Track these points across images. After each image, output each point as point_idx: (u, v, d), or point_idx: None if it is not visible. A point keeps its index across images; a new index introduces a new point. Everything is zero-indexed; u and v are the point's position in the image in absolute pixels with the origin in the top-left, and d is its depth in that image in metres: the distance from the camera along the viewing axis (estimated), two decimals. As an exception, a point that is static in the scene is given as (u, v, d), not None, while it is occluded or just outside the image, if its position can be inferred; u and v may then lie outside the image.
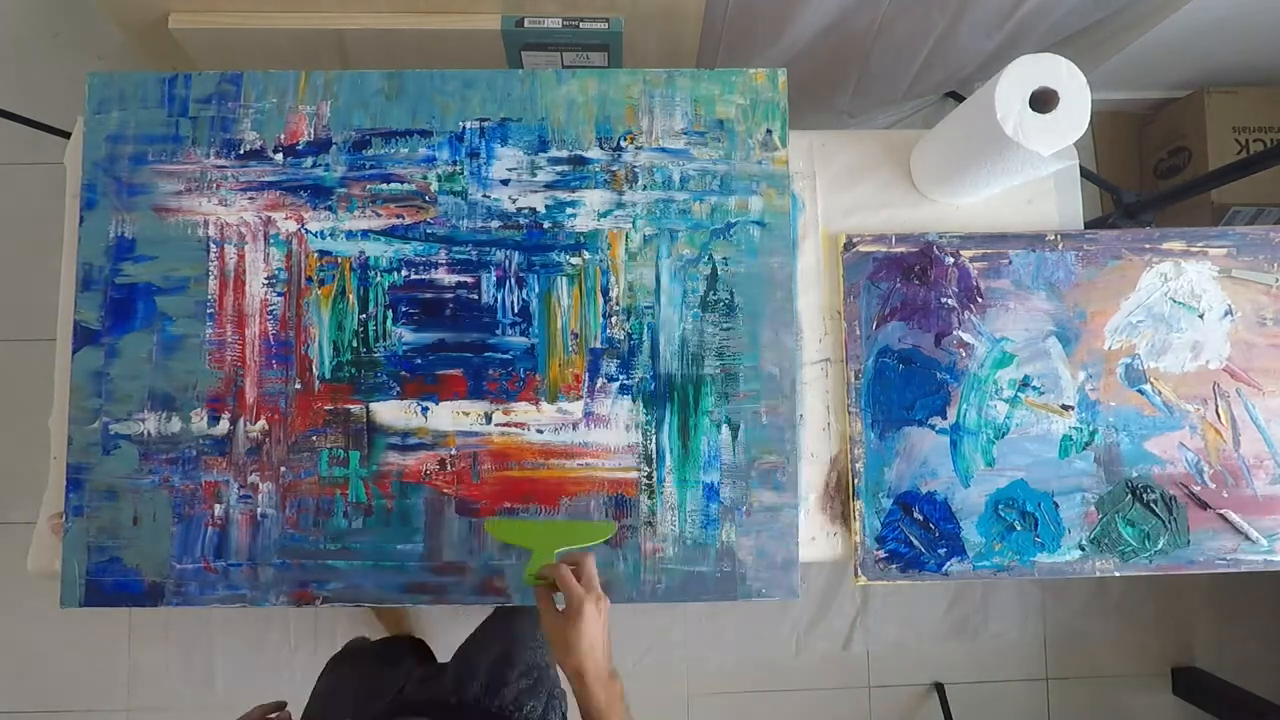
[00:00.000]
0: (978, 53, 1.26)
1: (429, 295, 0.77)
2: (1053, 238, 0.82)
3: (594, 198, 0.79)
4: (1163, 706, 1.57)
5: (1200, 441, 0.80)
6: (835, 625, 1.56)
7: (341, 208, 0.78)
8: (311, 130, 0.79)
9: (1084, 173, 0.89)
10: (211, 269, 0.77)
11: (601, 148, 0.79)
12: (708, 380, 0.77)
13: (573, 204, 0.79)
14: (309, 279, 0.77)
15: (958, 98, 1.51)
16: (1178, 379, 0.81)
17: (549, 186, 0.79)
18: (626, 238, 0.78)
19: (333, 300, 0.77)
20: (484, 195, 0.79)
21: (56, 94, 1.51)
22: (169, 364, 0.76)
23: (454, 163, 0.79)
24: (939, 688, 1.54)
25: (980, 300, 0.81)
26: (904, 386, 0.80)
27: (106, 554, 0.74)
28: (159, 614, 1.48)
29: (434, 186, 0.79)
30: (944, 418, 0.79)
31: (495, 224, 0.78)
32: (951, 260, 0.81)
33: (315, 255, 0.78)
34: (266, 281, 0.77)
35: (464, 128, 0.79)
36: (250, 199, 0.78)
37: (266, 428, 0.76)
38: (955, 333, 0.80)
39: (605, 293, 0.78)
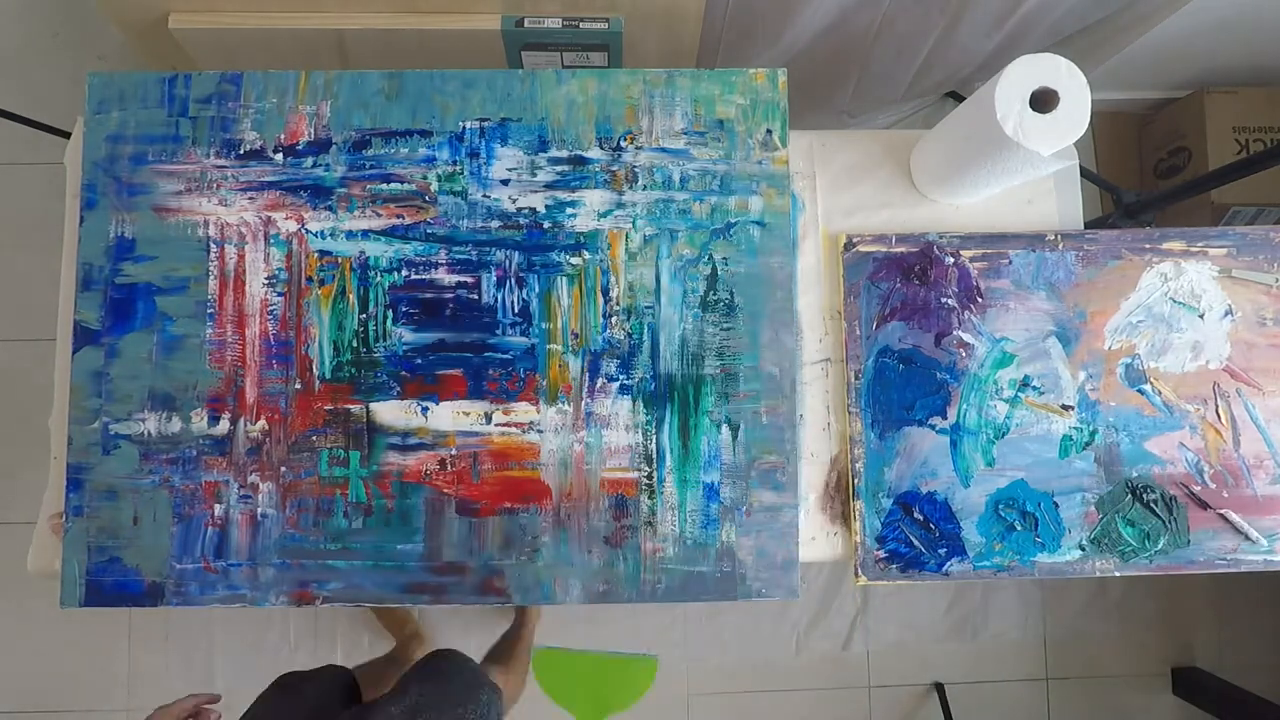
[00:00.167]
0: (978, 53, 1.26)
1: (429, 295, 0.77)
2: (1053, 238, 0.82)
3: (594, 198, 0.79)
4: (1163, 706, 1.58)
5: (1200, 441, 0.80)
6: (835, 625, 1.56)
7: (341, 208, 0.78)
8: (311, 130, 0.79)
9: (1084, 173, 0.89)
10: (211, 269, 0.77)
11: (601, 148, 0.79)
12: (708, 380, 0.77)
13: (573, 204, 0.79)
14: (309, 279, 0.77)
15: (958, 98, 1.51)
16: (1178, 379, 0.81)
17: (549, 186, 0.79)
18: (626, 238, 0.78)
19: (333, 300, 0.77)
20: (484, 195, 0.79)
21: (56, 94, 1.51)
22: (169, 364, 0.76)
23: (454, 163, 0.79)
24: (939, 688, 1.54)
25: (980, 300, 0.81)
26: (904, 386, 0.80)
27: (106, 554, 0.74)
28: (159, 614, 1.48)
29: (434, 186, 0.79)
30: (944, 418, 0.79)
31: (495, 224, 0.78)
32: (951, 260, 0.81)
33: (315, 255, 0.78)
34: (266, 281, 0.77)
35: (464, 128, 0.79)
36: (250, 199, 0.78)
37: (266, 428, 0.76)
38: (955, 333, 0.80)
39: (605, 293, 0.78)
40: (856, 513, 0.78)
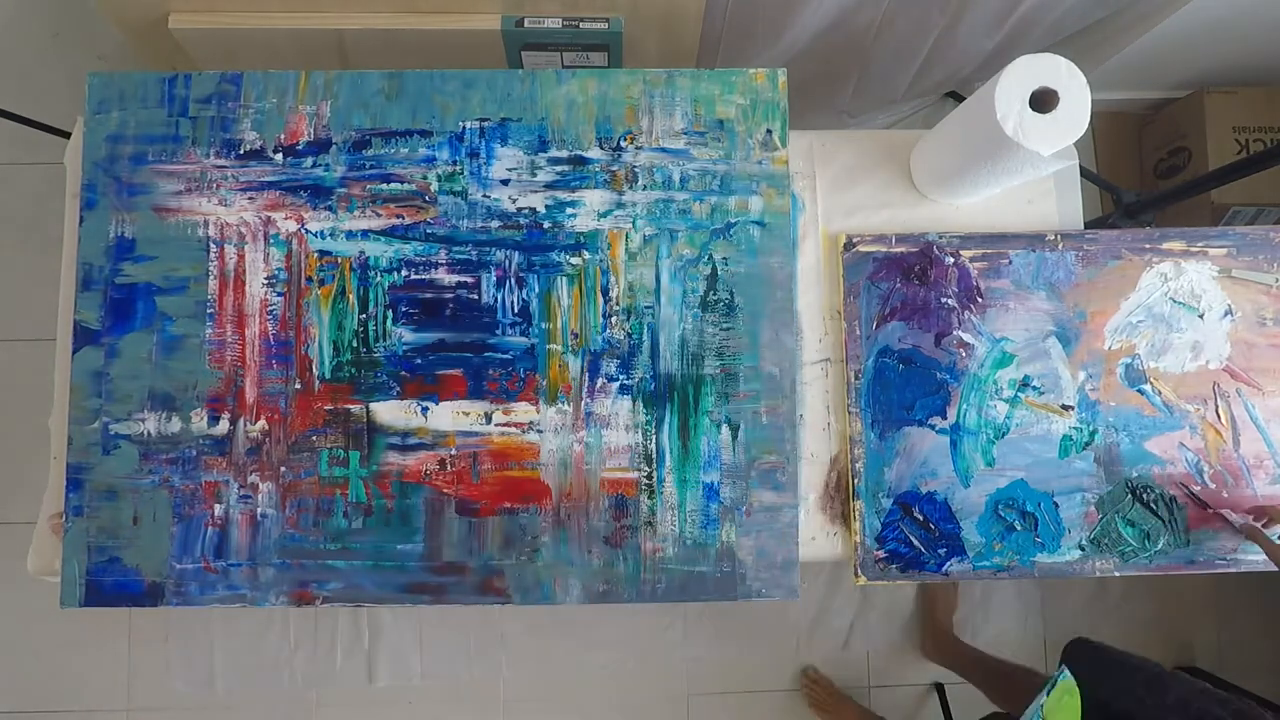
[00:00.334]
0: (978, 52, 1.26)
1: (429, 295, 0.77)
2: (1053, 238, 0.82)
3: (594, 198, 0.79)
4: (1163, 706, 1.57)
5: (1200, 441, 0.80)
6: (835, 625, 1.56)
7: (341, 208, 0.78)
8: (311, 130, 0.79)
9: (1084, 173, 0.89)
10: (211, 269, 0.77)
11: (601, 148, 0.79)
12: (708, 380, 0.77)
13: (573, 204, 0.79)
14: (309, 279, 0.77)
15: (958, 98, 1.51)
16: (1178, 379, 0.81)
17: (549, 186, 0.79)
18: (626, 238, 0.78)
19: (333, 300, 0.77)
20: (484, 195, 0.79)
21: (56, 94, 1.51)
22: (169, 364, 0.76)
23: (454, 163, 0.79)
24: (939, 688, 1.54)
25: (980, 300, 0.81)
26: (904, 386, 0.80)
27: (106, 554, 0.74)
28: (159, 614, 1.48)
29: (434, 186, 0.79)
30: (944, 418, 0.80)
31: (495, 224, 0.78)
32: (951, 260, 0.81)
33: (315, 255, 0.78)
34: (266, 281, 0.77)
35: (464, 128, 0.79)
36: (250, 199, 0.78)
37: (266, 428, 0.76)
38: (955, 333, 0.80)
39: (605, 293, 0.78)
40: (856, 513, 0.78)
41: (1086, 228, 0.85)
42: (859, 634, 1.56)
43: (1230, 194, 1.40)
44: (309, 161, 0.79)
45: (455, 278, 0.78)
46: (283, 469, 0.75)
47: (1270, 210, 1.42)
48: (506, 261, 0.78)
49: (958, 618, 1.52)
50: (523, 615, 1.52)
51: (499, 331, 0.77)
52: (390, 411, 0.76)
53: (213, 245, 0.77)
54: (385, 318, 0.77)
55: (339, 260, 0.78)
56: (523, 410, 0.77)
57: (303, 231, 0.78)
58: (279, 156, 0.79)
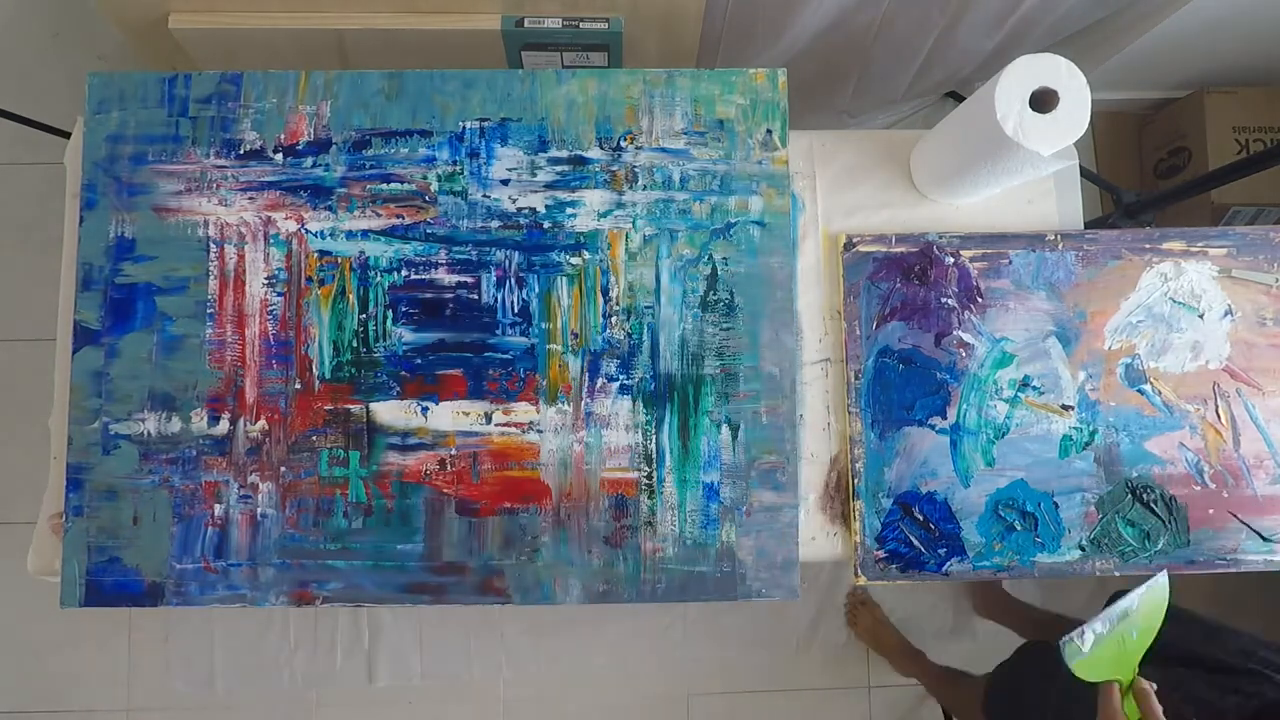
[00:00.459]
0: (978, 52, 1.26)
1: (429, 295, 0.77)
2: (1053, 238, 0.82)
3: (594, 198, 0.79)
4: (1163, 706, 1.57)
5: (1200, 441, 0.80)
6: (835, 625, 1.56)
7: (341, 208, 0.78)
8: (311, 130, 0.79)
9: (1084, 173, 0.89)
10: (211, 269, 0.77)
11: (601, 148, 0.79)
12: (708, 380, 0.77)
13: (573, 204, 0.79)
14: (309, 279, 0.77)
15: (958, 98, 1.51)
16: (1178, 379, 0.81)
17: (549, 186, 0.79)
18: (626, 238, 0.78)
19: (333, 300, 0.77)
20: (484, 195, 0.79)
21: (56, 94, 1.51)
22: (169, 364, 0.76)
23: (454, 163, 0.79)
24: (939, 688, 1.54)
25: (980, 300, 0.81)
26: (904, 386, 0.80)
27: (106, 554, 0.74)
28: (159, 614, 1.48)
29: (434, 186, 0.79)
30: (944, 418, 0.80)
31: (495, 224, 0.78)
32: (951, 260, 0.81)
33: (315, 255, 0.78)
34: (266, 281, 0.77)
35: (464, 128, 0.79)
36: (250, 199, 0.78)
37: (266, 428, 0.76)
38: (955, 333, 0.80)
39: (605, 293, 0.78)
40: (856, 513, 0.78)
41: (1086, 228, 0.85)
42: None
43: (1230, 194, 1.40)
44: (309, 161, 0.79)
45: (455, 278, 0.78)
46: (283, 469, 0.75)
47: (1270, 210, 1.42)
48: (506, 261, 0.78)
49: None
50: (523, 615, 1.52)
51: (499, 331, 0.77)
52: (390, 411, 0.76)
53: (213, 245, 0.77)
54: (385, 318, 0.77)
55: (339, 260, 0.78)
56: (523, 410, 0.77)
57: (303, 231, 0.78)
58: (279, 156, 0.79)
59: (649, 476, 0.76)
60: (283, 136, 0.79)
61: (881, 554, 0.78)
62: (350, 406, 0.76)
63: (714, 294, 0.78)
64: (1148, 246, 0.82)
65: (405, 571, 0.75)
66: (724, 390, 0.77)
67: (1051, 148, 0.68)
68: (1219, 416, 0.81)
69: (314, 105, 0.79)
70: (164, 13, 0.98)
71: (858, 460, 0.79)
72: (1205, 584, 1.03)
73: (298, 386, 0.76)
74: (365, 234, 0.78)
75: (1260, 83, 1.44)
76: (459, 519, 0.75)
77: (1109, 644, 0.67)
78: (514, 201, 0.79)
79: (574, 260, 0.78)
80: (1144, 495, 0.79)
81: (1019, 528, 0.79)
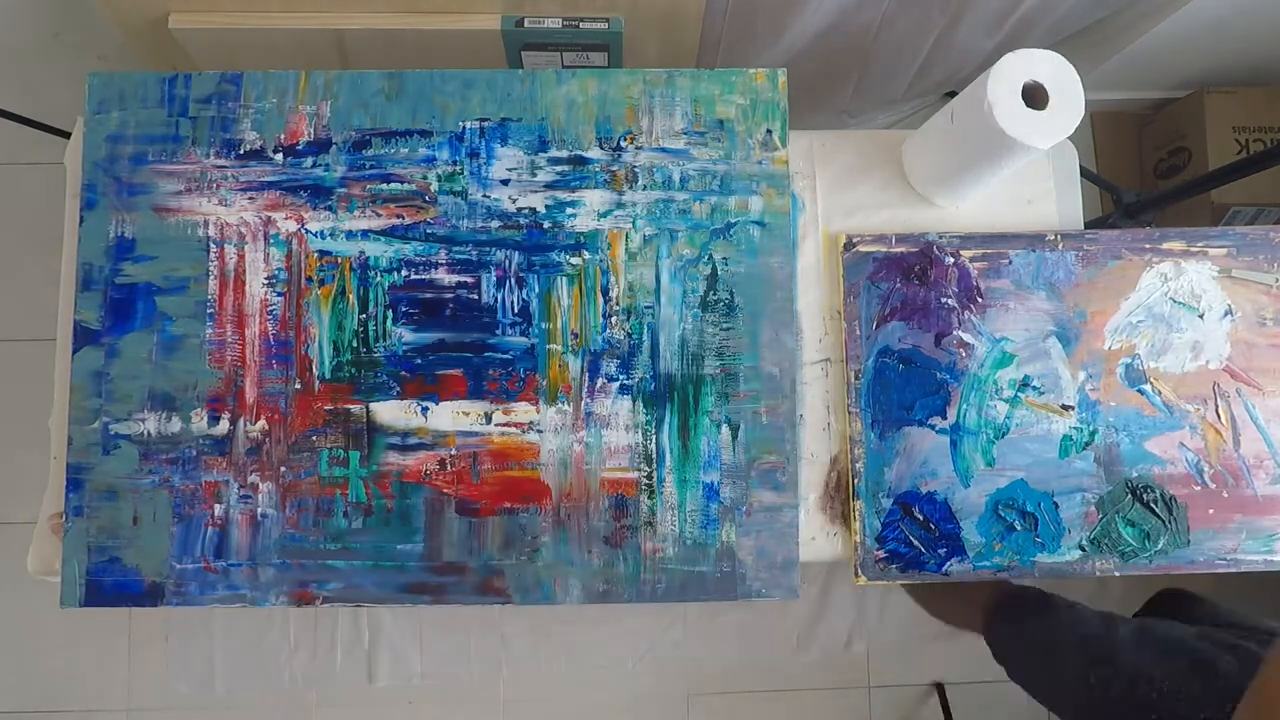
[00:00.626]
0: (978, 52, 1.26)
1: (429, 295, 0.77)
2: (1053, 238, 0.82)
3: (594, 198, 0.79)
4: (1163, 706, 1.57)
5: (1200, 441, 0.80)
6: (835, 625, 1.55)
7: (341, 208, 0.78)
8: (311, 130, 0.79)
9: (1084, 173, 0.89)
10: (211, 269, 0.77)
11: (601, 148, 0.79)
12: (708, 380, 0.77)
13: (573, 204, 0.79)
14: (309, 279, 0.77)
15: (958, 98, 1.51)
16: (1178, 379, 0.81)
17: (549, 186, 0.79)
18: (626, 238, 0.78)
19: (333, 300, 0.77)
20: (484, 195, 0.79)
21: (56, 94, 1.51)
22: (169, 364, 0.76)
23: (454, 163, 0.79)
24: (939, 688, 1.54)
25: (980, 300, 0.81)
26: (904, 386, 0.80)
27: (106, 554, 0.74)
28: (159, 614, 1.48)
29: (434, 186, 0.79)
30: (944, 418, 0.79)
31: (495, 224, 0.78)
32: (951, 260, 0.81)
33: (315, 255, 0.78)
34: (266, 281, 0.77)
35: (464, 128, 0.79)
36: (250, 199, 0.78)
37: (266, 428, 0.76)
38: (955, 333, 0.80)
39: (605, 293, 0.78)
40: (856, 513, 0.78)
41: (1086, 228, 0.85)
42: (859, 634, 1.56)
43: (1230, 194, 1.40)
44: (309, 161, 0.79)
45: (455, 278, 0.78)
46: (283, 469, 0.75)
47: (1270, 210, 1.42)
48: (506, 261, 0.78)
49: None
50: (523, 615, 1.52)
51: (499, 331, 0.77)
52: (390, 411, 0.76)
53: (213, 245, 0.77)
54: (385, 318, 0.77)
55: (339, 260, 0.78)
56: (523, 410, 0.77)
57: (303, 231, 0.78)
58: (279, 156, 0.79)
59: (649, 476, 0.76)
60: (283, 136, 0.79)
61: (881, 554, 0.78)
62: (350, 406, 0.76)
63: (714, 294, 0.78)
64: (1148, 246, 0.82)
65: (405, 571, 0.75)
66: (724, 390, 0.77)
67: (1047, 141, 0.68)
68: (1219, 416, 0.81)
69: (314, 105, 0.79)
70: (164, 13, 0.98)
71: (858, 460, 0.79)
72: (1205, 584, 1.03)
73: (298, 386, 0.76)
74: (365, 234, 0.78)
75: (1260, 83, 1.44)
76: (459, 519, 0.75)
77: None
78: (514, 201, 0.79)
79: (574, 260, 0.78)
80: (1144, 495, 0.79)
81: (1019, 528, 0.79)
